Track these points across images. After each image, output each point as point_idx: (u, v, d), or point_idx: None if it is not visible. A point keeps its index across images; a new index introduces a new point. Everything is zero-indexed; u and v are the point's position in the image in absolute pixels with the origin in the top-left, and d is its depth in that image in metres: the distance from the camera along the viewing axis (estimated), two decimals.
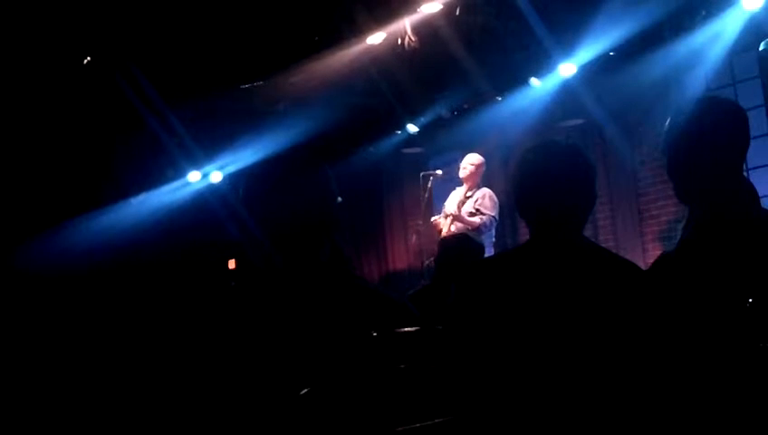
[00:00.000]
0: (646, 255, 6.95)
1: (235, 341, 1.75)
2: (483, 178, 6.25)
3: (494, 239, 6.10)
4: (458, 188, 6.27)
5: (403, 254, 9.02)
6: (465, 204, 6.07)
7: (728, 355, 1.75)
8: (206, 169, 7.98)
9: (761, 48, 5.64)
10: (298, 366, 1.66)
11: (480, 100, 7.41)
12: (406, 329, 1.73)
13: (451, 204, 6.15)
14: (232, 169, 7.89)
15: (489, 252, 5.48)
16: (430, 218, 6.47)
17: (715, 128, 1.93)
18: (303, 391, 1.59)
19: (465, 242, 4.01)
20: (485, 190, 6.10)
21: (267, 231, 1.85)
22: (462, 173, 6.18)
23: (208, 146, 7.68)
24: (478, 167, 6.17)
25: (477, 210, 5.98)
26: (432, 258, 5.65)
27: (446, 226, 6.06)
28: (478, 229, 5.86)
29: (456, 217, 5.99)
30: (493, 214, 5.97)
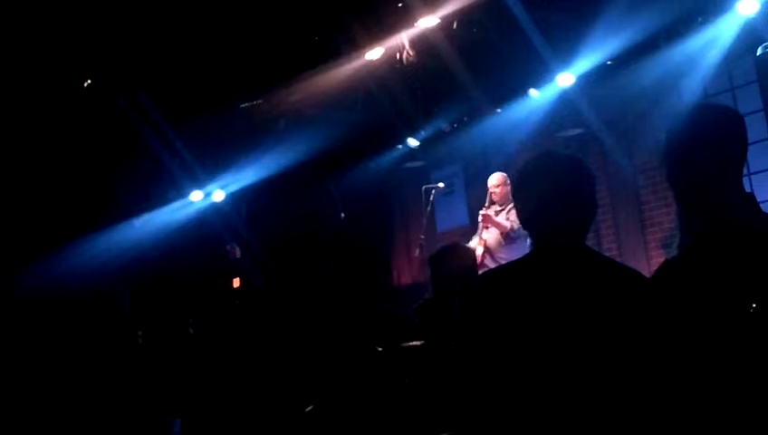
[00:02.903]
0: (650, 262, 6.93)
1: (240, 359, 1.75)
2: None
3: None
4: (493, 207, 6.30)
5: (406, 268, 9.02)
6: (499, 216, 6.16)
7: (733, 361, 1.74)
8: (208, 188, 7.99)
9: (758, 53, 5.64)
10: (303, 383, 1.65)
11: (479, 112, 7.43)
12: (410, 344, 1.72)
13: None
14: (234, 187, 7.90)
15: None
16: (433, 232, 6.47)
17: (712, 134, 1.93)
18: (308, 408, 1.59)
19: (453, 249, 3.95)
20: None
21: (270, 249, 1.85)
22: (494, 196, 6.23)
23: (210, 165, 7.70)
24: (502, 184, 6.22)
25: (508, 219, 6.07)
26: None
27: (477, 240, 6.11)
28: (509, 236, 5.97)
29: (486, 218, 6.07)
30: None
